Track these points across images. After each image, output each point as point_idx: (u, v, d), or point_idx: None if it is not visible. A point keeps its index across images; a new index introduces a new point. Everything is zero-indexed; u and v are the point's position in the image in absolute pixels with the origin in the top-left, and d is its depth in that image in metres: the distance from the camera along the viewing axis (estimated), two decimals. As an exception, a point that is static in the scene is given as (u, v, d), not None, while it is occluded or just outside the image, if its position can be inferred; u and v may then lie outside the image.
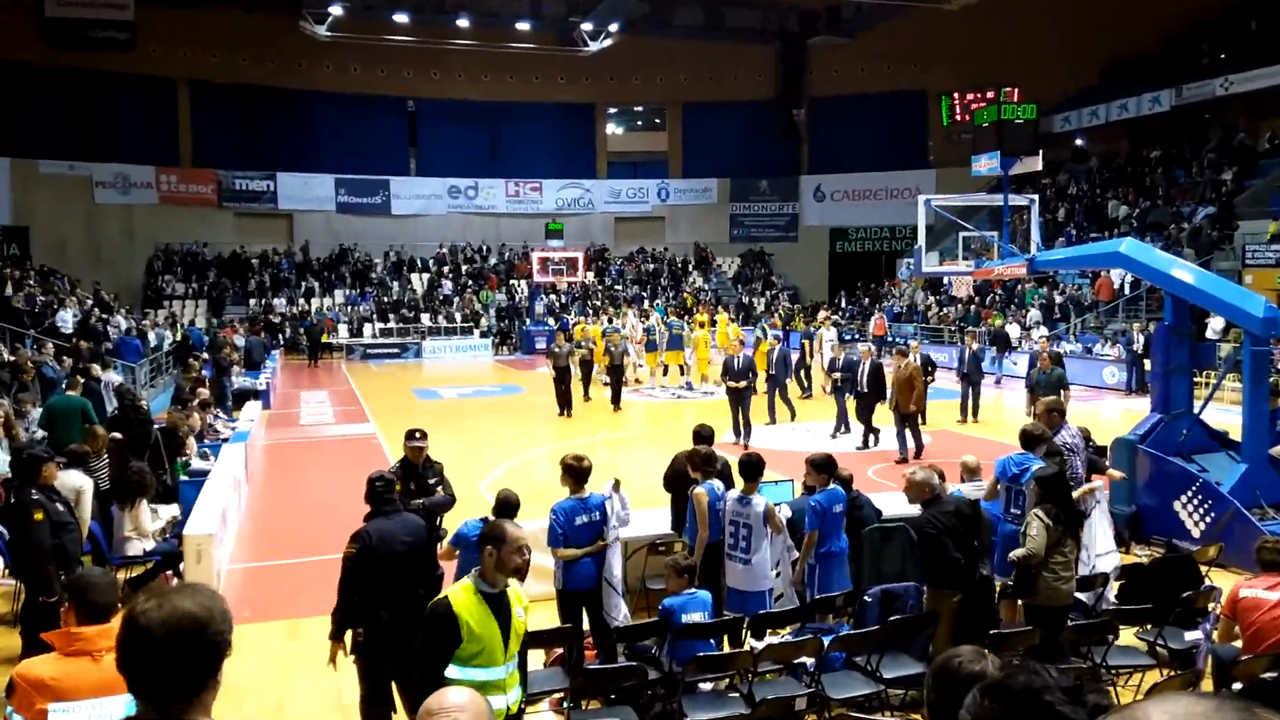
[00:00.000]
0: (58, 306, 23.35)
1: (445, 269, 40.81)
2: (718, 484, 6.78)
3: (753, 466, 6.67)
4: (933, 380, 16.42)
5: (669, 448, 8.18)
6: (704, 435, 7.58)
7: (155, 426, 10.98)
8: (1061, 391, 13.18)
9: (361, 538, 5.13)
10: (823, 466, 6.92)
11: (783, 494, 7.95)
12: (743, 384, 15.01)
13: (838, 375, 15.54)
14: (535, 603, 7.26)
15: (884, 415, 14.78)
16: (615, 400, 19.33)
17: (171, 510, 9.36)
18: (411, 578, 4.99)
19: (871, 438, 14.78)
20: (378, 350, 33.76)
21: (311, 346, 32.08)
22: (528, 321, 35.85)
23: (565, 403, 18.68)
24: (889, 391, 14.53)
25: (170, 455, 10.66)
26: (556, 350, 18.96)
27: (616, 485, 6.34)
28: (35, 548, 6.61)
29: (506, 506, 6.12)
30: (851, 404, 15.51)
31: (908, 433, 14.09)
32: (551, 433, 17.15)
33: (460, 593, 4.02)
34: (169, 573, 8.51)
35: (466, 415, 19.70)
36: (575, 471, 6.23)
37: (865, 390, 14.70)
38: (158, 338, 26.90)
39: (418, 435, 7.19)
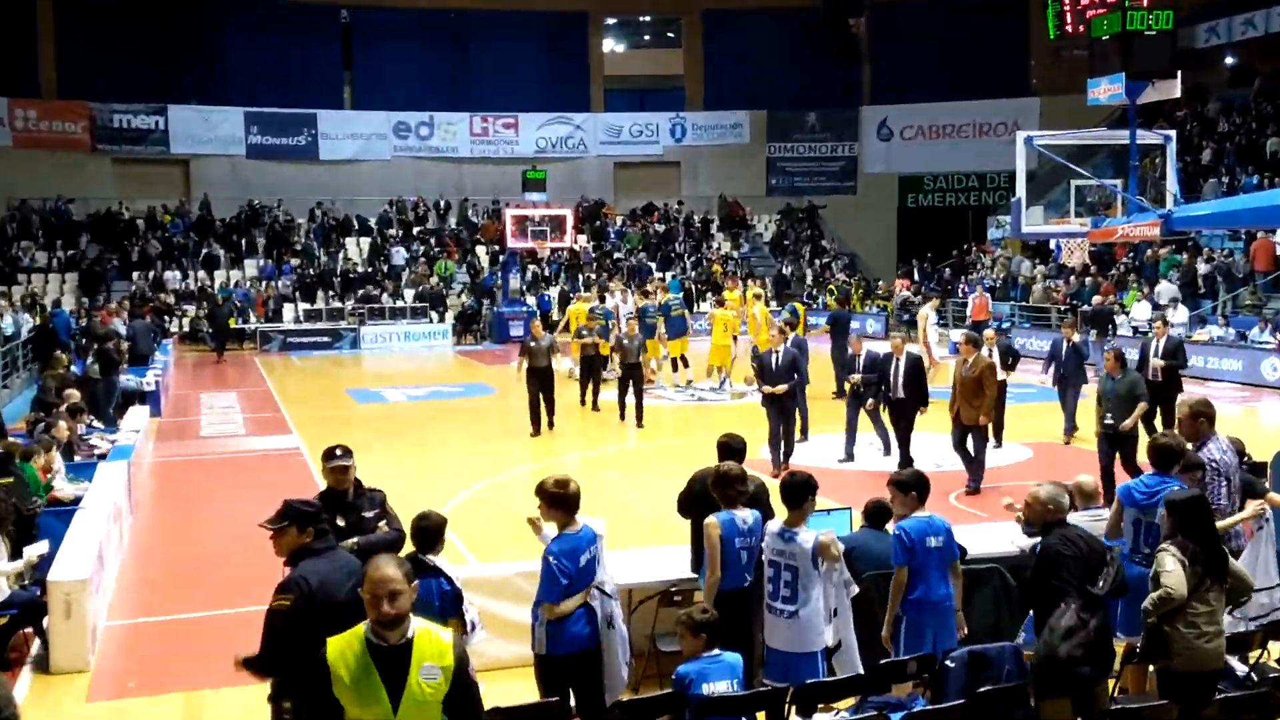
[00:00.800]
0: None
1: (391, 231, 40.92)
2: (743, 514, 6.89)
3: (798, 490, 6.77)
4: (1010, 374, 16.10)
5: (687, 466, 8.19)
6: (733, 448, 7.72)
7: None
8: (1139, 405, 12.54)
9: (297, 585, 5.19)
10: (911, 485, 7.01)
11: (837, 525, 7.96)
12: (782, 388, 14.60)
13: (858, 377, 15.00)
14: (508, 670, 7.36)
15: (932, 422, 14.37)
16: (639, 413, 18.70)
17: (39, 548, 9.33)
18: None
19: (893, 447, 14.71)
20: (302, 339, 33.96)
21: (216, 334, 32.17)
22: (500, 300, 35.92)
23: (549, 415, 18.00)
24: (927, 395, 14.35)
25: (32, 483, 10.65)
26: (533, 344, 17.86)
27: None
28: None
29: (424, 533, 6.28)
30: (865, 415, 15.21)
31: (902, 443, 14.01)
32: (532, 448, 17.21)
33: (345, 639, 4.20)
34: (28, 630, 8.51)
35: (420, 425, 19.79)
36: (563, 501, 6.34)
37: (902, 395, 14.31)
38: (13, 324, 26.99)
39: (339, 453, 7.11)
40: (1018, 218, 13.85)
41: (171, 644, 9.06)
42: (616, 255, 41.10)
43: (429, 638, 4.18)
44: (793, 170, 45.92)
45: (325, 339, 34.17)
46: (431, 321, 35.73)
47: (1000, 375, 14.73)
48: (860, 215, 44.77)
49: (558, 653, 6.24)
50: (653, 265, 40.06)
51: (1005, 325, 24.64)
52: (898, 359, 14.42)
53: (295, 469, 15.40)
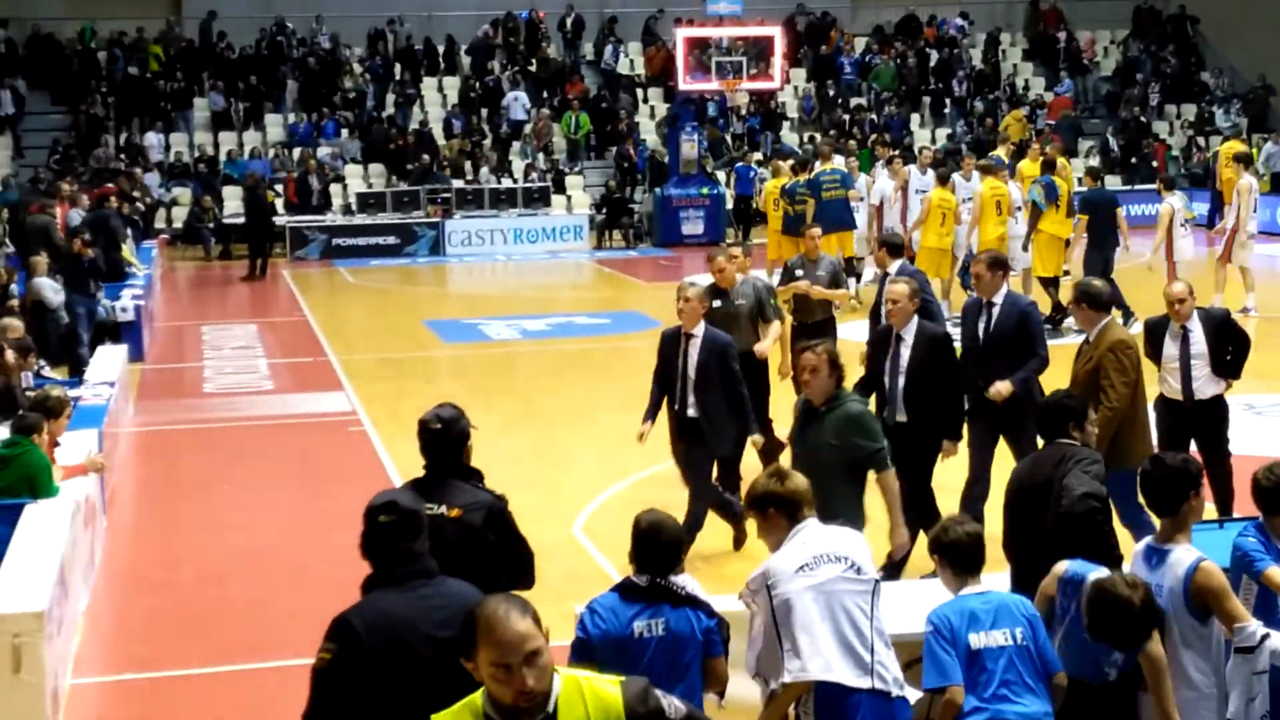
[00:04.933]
0: None
1: (492, 67, 35.99)
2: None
3: (1171, 481, 6.06)
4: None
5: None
6: (1070, 408, 7.22)
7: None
8: None
9: (342, 633, 4.91)
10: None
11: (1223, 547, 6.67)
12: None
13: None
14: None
15: None
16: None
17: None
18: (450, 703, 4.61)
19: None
20: (356, 240, 30.40)
21: (255, 234, 27.55)
22: (670, 181, 30.97)
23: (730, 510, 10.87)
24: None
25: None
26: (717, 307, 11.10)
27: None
28: None
29: (662, 548, 5.77)
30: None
31: None
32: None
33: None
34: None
35: (540, 379, 18.31)
36: (780, 500, 5.97)
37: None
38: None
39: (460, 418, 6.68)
40: None
41: (172, 712, 8.63)
42: (855, 102, 35.20)
43: (579, 693, 3.85)
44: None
45: (391, 240, 30.38)
46: (556, 213, 31.53)
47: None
48: (1273, 25, 34.94)
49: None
50: (914, 120, 34.65)
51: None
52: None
53: (352, 447, 14.20)
